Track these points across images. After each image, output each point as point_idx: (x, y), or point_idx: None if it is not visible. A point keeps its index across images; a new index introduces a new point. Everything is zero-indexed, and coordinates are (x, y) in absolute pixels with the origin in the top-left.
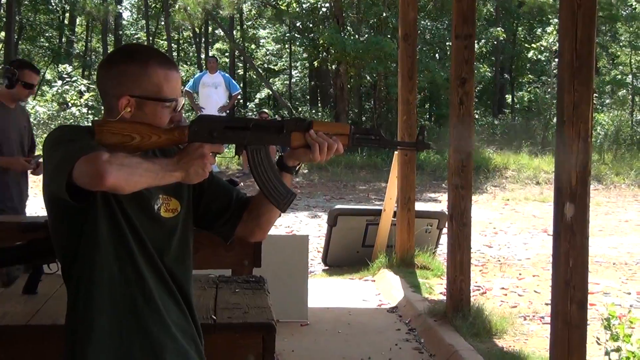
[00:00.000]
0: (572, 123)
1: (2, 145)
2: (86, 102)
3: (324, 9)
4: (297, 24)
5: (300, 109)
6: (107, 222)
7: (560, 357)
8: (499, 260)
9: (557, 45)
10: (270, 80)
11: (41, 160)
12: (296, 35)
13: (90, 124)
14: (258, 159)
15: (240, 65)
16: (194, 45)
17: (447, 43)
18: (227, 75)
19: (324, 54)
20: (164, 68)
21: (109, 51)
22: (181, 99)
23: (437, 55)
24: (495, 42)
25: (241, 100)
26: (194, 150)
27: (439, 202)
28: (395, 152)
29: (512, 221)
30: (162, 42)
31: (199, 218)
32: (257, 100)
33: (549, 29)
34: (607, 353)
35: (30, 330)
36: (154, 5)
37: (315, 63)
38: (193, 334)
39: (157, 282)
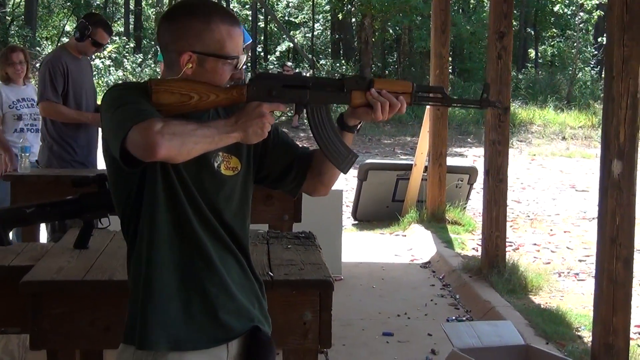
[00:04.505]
0: (621, 78)
1: (78, 96)
2: (110, 54)
3: None
4: None
5: (322, 62)
6: (164, 183)
7: (604, 315)
8: (529, 216)
9: None
10: (291, 33)
11: None
12: None
13: (147, 81)
14: (319, 118)
15: (261, 17)
16: None
17: None
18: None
19: (349, 6)
20: (227, 24)
21: (129, 3)
22: (243, 56)
23: (460, 9)
24: None
25: (261, 53)
26: (252, 109)
27: (465, 157)
28: (427, 107)
29: (539, 177)
30: None
31: (264, 177)
32: (277, 53)
33: None
34: None
35: (87, 286)
36: None
37: (340, 15)
38: (255, 290)
39: (215, 242)
